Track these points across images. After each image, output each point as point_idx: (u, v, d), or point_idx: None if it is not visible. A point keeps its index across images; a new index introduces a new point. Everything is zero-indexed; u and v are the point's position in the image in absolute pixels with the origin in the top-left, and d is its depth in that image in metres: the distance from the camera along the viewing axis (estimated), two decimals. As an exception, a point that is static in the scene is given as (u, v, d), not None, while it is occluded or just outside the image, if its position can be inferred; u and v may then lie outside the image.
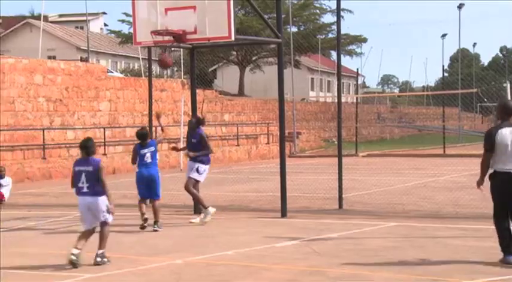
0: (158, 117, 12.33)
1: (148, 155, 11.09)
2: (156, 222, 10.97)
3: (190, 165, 11.59)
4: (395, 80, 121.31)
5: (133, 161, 11.28)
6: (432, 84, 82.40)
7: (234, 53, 47.28)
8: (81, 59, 44.42)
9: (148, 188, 11.13)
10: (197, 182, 11.58)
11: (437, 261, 8.34)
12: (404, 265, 8.16)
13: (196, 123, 11.72)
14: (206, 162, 11.57)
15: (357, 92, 47.95)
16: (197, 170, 11.40)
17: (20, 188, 17.30)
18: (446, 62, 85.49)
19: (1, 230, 11.32)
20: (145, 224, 11.01)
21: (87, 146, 8.56)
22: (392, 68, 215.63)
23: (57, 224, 11.90)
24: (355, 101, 40.03)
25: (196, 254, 8.88)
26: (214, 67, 54.04)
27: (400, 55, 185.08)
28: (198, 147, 11.51)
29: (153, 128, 14.70)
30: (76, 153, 22.32)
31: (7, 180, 15.63)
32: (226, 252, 9.00)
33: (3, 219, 12.53)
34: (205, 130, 12.37)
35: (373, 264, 8.23)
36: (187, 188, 11.40)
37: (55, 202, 15.19)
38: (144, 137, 11.19)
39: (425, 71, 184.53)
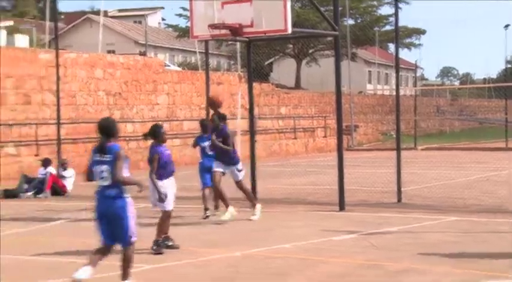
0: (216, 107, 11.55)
1: (208, 148, 11.47)
2: (216, 207, 11.51)
3: (226, 170, 11.03)
4: (455, 72, 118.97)
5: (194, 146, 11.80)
6: (494, 76, 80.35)
7: (291, 46, 47.13)
8: (140, 53, 45.12)
9: (209, 178, 11.33)
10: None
11: (500, 256, 8.15)
12: (466, 259, 8.00)
13: (220, 119, 11.26)
14: (238, 158, 11.19)
15: (415, 85, 47.20)
16: (239, 171, 11.12)
17: (82, 180, 17.63)
18: (509, 53, 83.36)
19: (65, 220, 11.65)
20: (207, 214, 11.36)
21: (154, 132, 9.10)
22: (452, 60, 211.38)
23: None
24: (413, 93, 39.42)
25: (254, 247, 8.92)
26: (270, 60, 53.99)
27: (461, 47, 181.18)
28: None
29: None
30: (135, 145, 22.73)
31: (70, 172, 16.09)
32: (284, 245, 9.01)
33: (68, 210, 12.87)
34: (263, 123, 12.30)
35: (433, 258, 8.10)
36: (242, 187, 11.23)
37: (115, 194, 15.46)
38: (204, 126, 11.68)
39: (487, 62, 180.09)
